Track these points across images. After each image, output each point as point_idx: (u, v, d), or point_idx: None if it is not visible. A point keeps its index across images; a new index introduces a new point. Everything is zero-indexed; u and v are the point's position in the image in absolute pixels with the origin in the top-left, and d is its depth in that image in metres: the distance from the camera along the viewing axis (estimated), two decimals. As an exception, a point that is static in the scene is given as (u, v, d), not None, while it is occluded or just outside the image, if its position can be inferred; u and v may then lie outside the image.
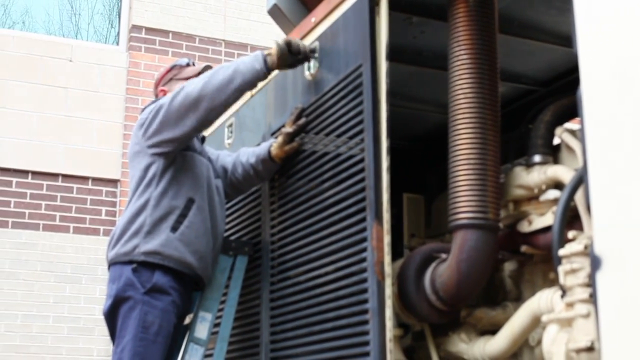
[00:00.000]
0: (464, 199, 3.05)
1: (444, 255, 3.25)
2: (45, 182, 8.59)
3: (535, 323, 2.96)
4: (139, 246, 3.60)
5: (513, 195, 3.27)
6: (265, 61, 3.59)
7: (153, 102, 3.83)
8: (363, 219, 3.12)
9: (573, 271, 2.64)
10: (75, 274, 8.46)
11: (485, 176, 3.05)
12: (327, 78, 3.51)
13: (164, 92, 4.00)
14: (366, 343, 3.00)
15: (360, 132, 3.19)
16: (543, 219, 3.14)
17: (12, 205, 8.45)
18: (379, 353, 2.93)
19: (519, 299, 3.38)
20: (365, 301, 3.04)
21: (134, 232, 3.63)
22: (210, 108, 3.59)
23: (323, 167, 3.46)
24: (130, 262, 3.59)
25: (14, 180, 8.50)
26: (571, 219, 2.85)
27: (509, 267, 3.53)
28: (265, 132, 4.03)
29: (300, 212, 3.61)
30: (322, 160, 3.48)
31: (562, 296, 2.70)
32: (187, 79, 3.95)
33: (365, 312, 3.04)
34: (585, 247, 2.61)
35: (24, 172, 8.55)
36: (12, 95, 8.60)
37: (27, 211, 8.48)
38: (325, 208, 3.40)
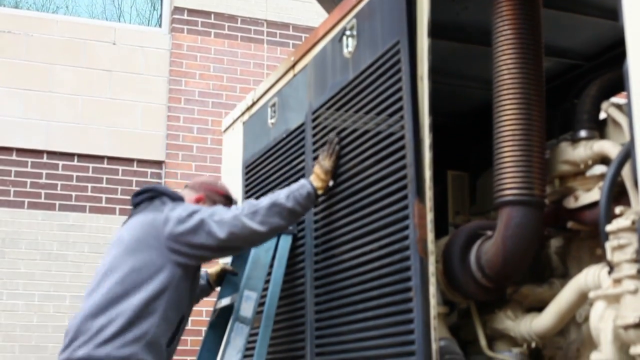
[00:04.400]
0: (509, 175, 3.03)
1: (489, 232, 3.24)
2: (91, 165, 8.66)
3: (582, 300, 2.94)
4: (137, 354, 3.37)
5: (559, 171, 3.24)
6: (317, 197, 3.68)
7: (186, 207, 3.65)
8: (404, 197, 3.11)
9: (620, 247, 2.62)
10: (122, 255, 8.54)
11: (531, 152, 3.02)
12: (365, 55, 3.49)
13: (200, 200, 3.87)
14: (410, 321, 3.00)
15: (400, 109, 3.17)
16: (589, 194, 3.11)
17: (58, 188, 8.53)
18: (423, 330, 2.93)
19: (565, 276, 3.36)
20: (408, 279, 3.04)
21: (136, 338, 3.38)
22: (259, 241, 3.72)
23: (363, 145, 3.45)
24: None
25: (60, 163, 8.58)
26: (618, 194, 2.82)
27: (555, 243, 3.50)
28: (307, 111, 4.02)
29: (342, 191, 3.61)
30: (362, 138, 3.47)
31: (610, 272, 2.68)
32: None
33: (409, 289, 3.03)
34: (633, 223, 2.59)
35: (69, 155, 8.62)
36: (57, 79, 8.68)
37: (73, 193, 8.56)
38: (366, 186, 3.39)
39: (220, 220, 3.54)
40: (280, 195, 3.62)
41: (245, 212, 3.56)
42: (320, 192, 3.67)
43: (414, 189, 3.04)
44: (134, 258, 3.49)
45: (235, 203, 4.00)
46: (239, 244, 3.63)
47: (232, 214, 3.57)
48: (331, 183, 3.68)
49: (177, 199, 3.76)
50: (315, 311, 3.77)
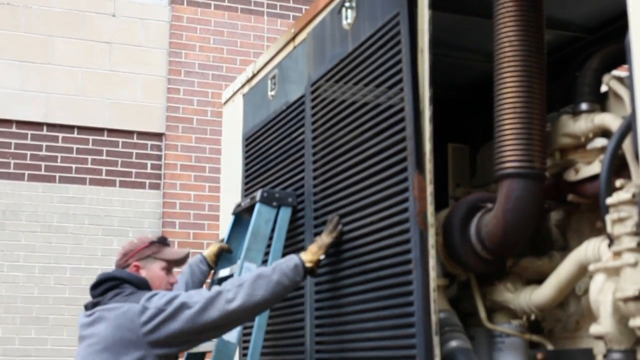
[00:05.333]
0: (509, 148, 3.02)
1: (489, 205, 3.24)
2: (91, 137, 8.66)
3: (582, 272, 2.94)
4: None
5: (559, 143, 3.23)
6: (305, 270, 3.47)
7: (164, 294, 3.39)
8: (404, 169, 3.10)
9: (621, 220, 2.62)
10: (122, 227, 8.55)
11: (531, 125, 3.02)
12: (365, 27, 3.47)
13: (137, 268, 3.60)
14: (410, 293, 3.01)
15: (400, 81, 3.16)
16: (590, 167, 3.10)
17: (59, 160, 8.53)
18: (422, 303, 2.93)
19: (565, 249, 3.36)
20: (408, 251, 3.04)
21: None
22: (246, 317, 3.47)
23: (363, 117, 3.44)
24: None
25: (60, 135, 8.57)
26: (619, 167, 2.82)
27: (555, 216, 3.51)
28: (307, 84, 4.01)
29: (341, 163, 3.60)
30: (362, 110, 3.46)
31: (610, 245, 2.68)
32: (167, 260, 3.66)
33: (408, 262, 3.04)
34: (633, 196, 2.59)
35: (70, 127, 8.61)
36: (57, 51, 8.65)
37: (73, 166, 8.56)
38: (366, 158, 3.39)
39: (200, 300, 3.31)
40: (266, 268, 3.45)
41: (228, 287, 3.36)
42: (308, 265, 3.46)
43: (414, 162, 3.03)
44: (108, 354, 3.28)
45: (166, 238, 3.78)
46: (224, 322, 3.35)
47: (213, 291, 3.34)
48: (322, 257, 3.52)
49: (142, 285, 3.52)
50: (314, 283, 3.78)
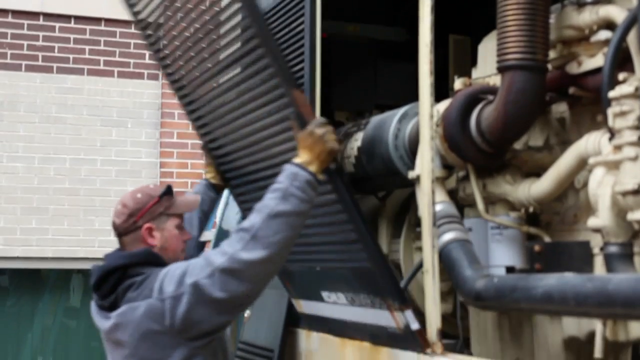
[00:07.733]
0: (512, 39, 2.99)
1: (490, 97, 3.22)
2: (88, 27, 8.58)
3: (582, 165, 2.94)
4: None
5: (563, 35, 3.19)
6: (318, 184, 2.94)
7: (170, 276, 2.89)
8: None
9: (622, 113, 2.61)
10: (121, 117, 8.54)
11: (535, 16, 2.98)
12: None
13: (150, 230, 3.05)
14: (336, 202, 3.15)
15: None
16: (593, 60, 3.07)
17: (56, 50, 8.47)
18: (350, 207, 3.07)
19: (565, 142, 3.35)
20: None
21: None
22: (276, 268, 2.98)
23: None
24: None
25: (57, 25, 8.49)
26: (622, 60, 2.79)
27: (556, 109, 3.49)
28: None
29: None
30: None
31: (610, 139, 2.67)
32: (180, 215, 3.14)
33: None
34: (636, 90, 2.58)
35: (66, 17, 8.52)
36: (52, -62, 8.51)
37: (71, 56, 8.50)
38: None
39: (214, 273, 2.81)
40: (271, 199, 2.84)
41: (240, 245, 2.81)
42: (321, 177, 2.95)
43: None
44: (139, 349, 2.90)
45: (171, 187, 3.16)
46: (253, 287, 2.89)
47: (227, 256, 2.81)
48: (332, 166, 3.02)
49: (151, 259, 3.01)
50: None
